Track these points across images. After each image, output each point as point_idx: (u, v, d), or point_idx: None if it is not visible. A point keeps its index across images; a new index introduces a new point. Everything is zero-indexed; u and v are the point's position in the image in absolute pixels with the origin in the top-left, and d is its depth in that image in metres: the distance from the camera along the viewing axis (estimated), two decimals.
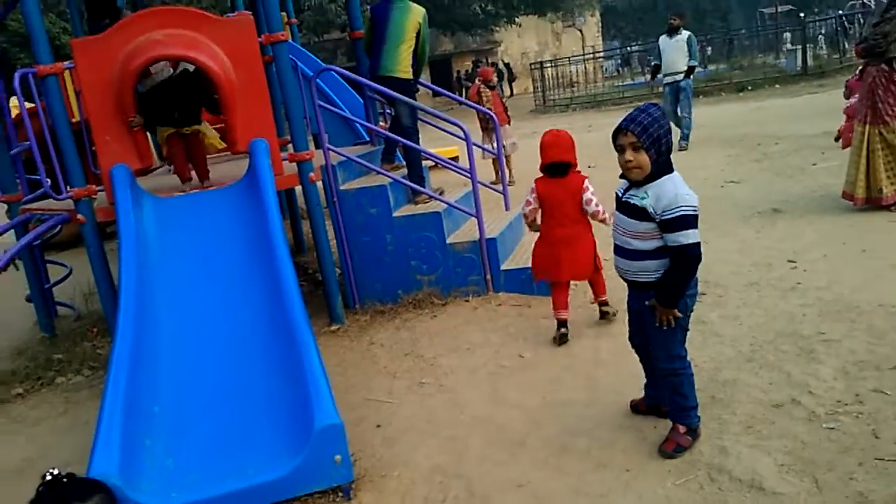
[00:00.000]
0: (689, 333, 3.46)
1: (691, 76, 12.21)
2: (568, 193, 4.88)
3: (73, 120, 6.20)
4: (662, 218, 3.13)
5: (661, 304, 3.30)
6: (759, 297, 5.19)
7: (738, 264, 5.93)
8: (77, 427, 4.73)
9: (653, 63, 13.12)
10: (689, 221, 3.12)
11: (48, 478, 1.74)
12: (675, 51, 12.01)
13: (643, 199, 3.19)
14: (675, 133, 11.56)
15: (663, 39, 12.22)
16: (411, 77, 6.34)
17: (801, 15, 34.33)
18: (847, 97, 7.91)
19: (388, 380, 4.73)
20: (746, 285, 5.46)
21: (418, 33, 6.25)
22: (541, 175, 4.98)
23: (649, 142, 3.12)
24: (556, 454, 3.58)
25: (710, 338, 4.63)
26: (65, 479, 1.74)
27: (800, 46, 23.36)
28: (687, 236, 3.12)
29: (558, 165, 4.88)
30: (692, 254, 3.16)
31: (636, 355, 3.79)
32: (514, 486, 3.36)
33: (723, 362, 4.27)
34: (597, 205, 4.87)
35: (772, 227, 6.85)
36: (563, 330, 4.89)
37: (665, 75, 12.26)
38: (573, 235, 4.91)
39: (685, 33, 12.00)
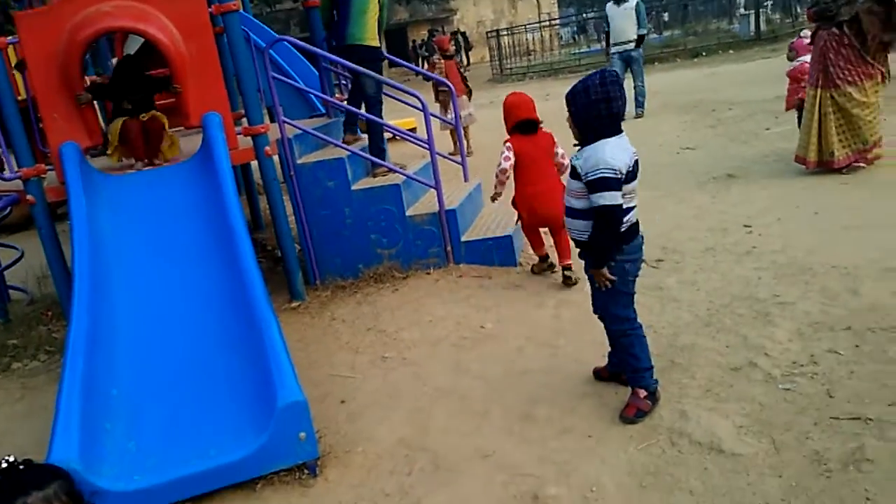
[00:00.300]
0: (644, 299, 3.57)
1: (641, 45, 12.05)
2: (541, 149, 5.26)
3: (19, 98, 6.02)
4: (587, 179, 3.30)
5: (590, 264, 3.50)
6: (716, 262, 5.27)
7: (695, 230, 6.01)
8: (34, 413, 4.64)
9: (604, 31, 13.04)
10: (608, 183, 3.23)
11: (3, 465, 1.70)
12: (624, 18, 11.81)
13: (576, 160, 3.39)
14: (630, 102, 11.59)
15: (610, 7, 12.01)
16: (379, 45, 6.26)
17: None
18: (791, 59, 7.98)
19: (350, 355, 4.72)
20: (703, 251, 5.53)
21: (380, 1, 6.18)
22: (510, 136, 5.31)
23: (573, 110, 3.37)
24: (519, 423, 3.61)
25: (668, 303, 4.69)
26: (21, 466, 1.69)
27: (753, 11, 23.56)
28: (604, 197, 3.25)
29: (528, 123, 5.23)
30: (608, 214, 3.28)
31: (599, 323, 3.83)
32: (479, 457, 3.39)
33: (681, 327, 4.34)
34: (563, 156, 5.19)
35: (727, 193, 6.94)
36: (549, 261, 5.51)
37: (614, 44, 12.04)
38: (552, 187, 5.18)
39: (633, 0, 11.79)
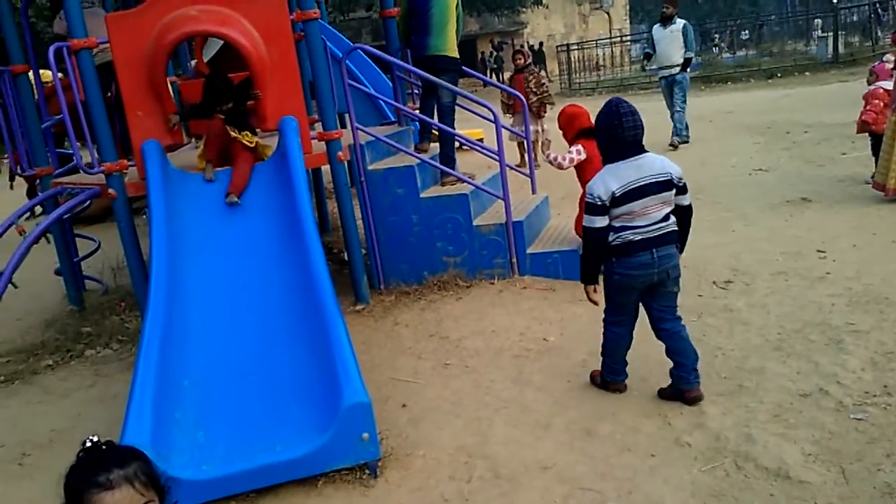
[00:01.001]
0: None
1: (688, 68, 11.61)
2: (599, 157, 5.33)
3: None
4: None
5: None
6: (788, 286, 5.16)
7: (767, 253, 5.89)
8: (106, 399, 4.80)
9: (644, 51, 12.72)
10: (587, 208, 3.63)
11: (87, 444, 1.76)
12: (671, 41, 11.35)
13: None
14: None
15: (657, 29, 11.64)
16: (458, 56, 6.34)
17: (834, 1, 33.77)
18: (870, 83, 7.77)
19: (412, 360, 4.76)
20: (774, 274, 5.42)
21: (456, 12, 6.27)
22: (578, 140, 5.64)
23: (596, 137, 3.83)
24: (580, 437, 3.60)
25: (737, 326, 4.61)
26: (104, 447, 1.76)
27: (831, 34, 23.00)
28: (586, 219, 3.66)
29: (590, 131, 5.24)
30: (585, 235, 3.71)
31: (662, 342, 3.81)
32: (539, 468, 3.38)
33: (750, 350, 4.26)
34: None
35: (801, 216, 6.79)
36: None
37: (660, 68, 11.68)
38: None
39: (680, 22, 11.36)
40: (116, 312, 6.36)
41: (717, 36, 33.37)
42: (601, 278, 3.80)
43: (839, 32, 22.82)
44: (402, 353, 4.90)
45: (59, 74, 5.31)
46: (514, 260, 5.82)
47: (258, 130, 5.25)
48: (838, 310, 4.67)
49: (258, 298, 4.22)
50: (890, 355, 3.98)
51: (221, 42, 7.11)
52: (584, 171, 5.57)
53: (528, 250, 5.87)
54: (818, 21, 29.96)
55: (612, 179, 3.55)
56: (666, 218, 3.64)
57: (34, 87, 6.45)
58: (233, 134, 5.03)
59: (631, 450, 3.44)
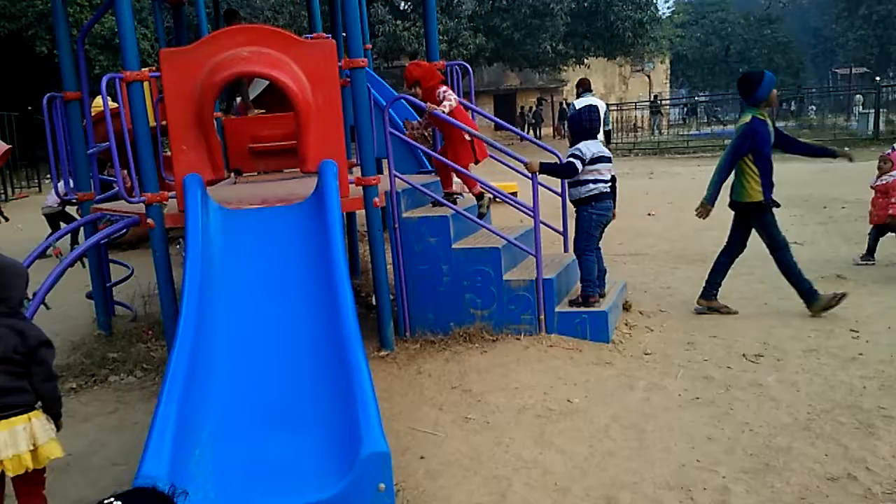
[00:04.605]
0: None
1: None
2: None
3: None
4: (568, 153, 5.89)
5: (541, 169, 5.86)
6: (819, 365, 5.07)
7: (799, 329, 5.81)
8: (126, 427, 4.81)
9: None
10: (574, 155, 5.78)
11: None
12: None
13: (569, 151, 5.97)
14: None
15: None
16: None
17: (877, 79, 33.77)
18: (884, 171, 7.68)
19: (433, 411, 4.72)
20: (806, 351, 5.33)
21: None
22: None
23: (570, 128, 6.24)
24: None
25: (766, 402, 4.53)
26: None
27: (872, 110, 22.95)
28: (569, 160, 5.79)
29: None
30: (565, 166, 5.84)
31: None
32: None
33: (778, 428, 4.17)
34: None
35: None
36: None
37: None
38: None
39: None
40: (143, 340, 6.41)
41: None
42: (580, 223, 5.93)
43: (881, 109, 22.75)
44: (424, 403, 4.86)
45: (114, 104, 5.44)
46: (542, 317, 5.79)
47: None
48: (870, 393, 4.57)
49: (285, 338, 4.22)
50: None
51: (267, 82, 7.26)
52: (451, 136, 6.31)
53: (557, 308, 5.84)
54: (859, 97, 29.96)
55: (588, 149, 5.77)
56: (614, 179, 5.96)
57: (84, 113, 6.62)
58: None
59: None
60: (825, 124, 26.58)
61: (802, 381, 4.82)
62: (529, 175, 6.01)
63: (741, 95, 6.40)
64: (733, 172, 6.22)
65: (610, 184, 5.90)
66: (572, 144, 5.88)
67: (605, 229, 6.08)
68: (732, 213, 6.28)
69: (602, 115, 12.06)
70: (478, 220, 6.13)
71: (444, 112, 5.94)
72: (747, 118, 6.11)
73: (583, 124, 5.95)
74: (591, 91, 12.28)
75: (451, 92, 6.15)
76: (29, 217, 12.18)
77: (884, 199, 7.56)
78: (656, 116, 35.26)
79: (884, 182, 7.59)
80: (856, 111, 27.87)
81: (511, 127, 8.38)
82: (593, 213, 5.79)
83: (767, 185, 6.14)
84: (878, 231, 7.68)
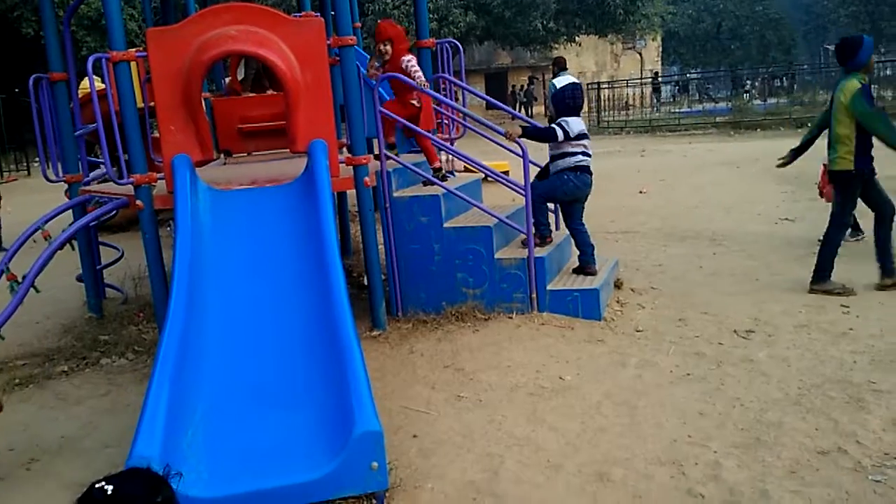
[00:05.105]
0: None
1: None
2: None
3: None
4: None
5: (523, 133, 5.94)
6: (810, 340, 5.09)
7: (790, 304, 5.83)
8: (118, 409, 4.81)
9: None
10: (560, 125, 5.90)
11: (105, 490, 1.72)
12: None
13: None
14: None
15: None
16: None
17: None
18: None
19: (426, 390, 4.73)
20: (797, 326, 5.36)
21: None
22: None
23: (555, 104, 6.40)
24: (592, 481, 3.54)
25: (757, 377, 4.55)
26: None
27: None
28: (553, 128, 5.94)
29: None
30: (547, 131, 6.00)
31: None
32: None
33: (769, 403, 4.19)
34: None
35: None
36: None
37: None
38: None
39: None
40: (134, 322, 6.39)
41: (748, 82, 33.40)
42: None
43: (872, 86, 22.71)
44: (416, 382, 4.87)
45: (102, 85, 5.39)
46: (534, 295, 5.79)
47: None
48: (860, 367, 4.60)
49: (277, 319, 4.22)
50: None
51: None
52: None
53: (549, 286, 5.84)
54: None
55: (573, 125, 5.91)
56: (590, 155, 6.07)
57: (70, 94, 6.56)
58: None
59: (642, 497, 3.38)
60: (816, 101, 26.50)
61: (793, 356, 4.84)
62: (520, 153, 5.99)
63: (840, 62, 6.19)
64: (830, 139, 6.07)
65: (590, 159, 6.12)
66: (556, 116, 6.11)
67: (589, 204, 6.23)
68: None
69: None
70: (470, 199, 6.11)
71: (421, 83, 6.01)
72: (854, 83, 5.87)
73: (566, 101, 6.07)
74: (566, 69, 12.42)
75: (416, 63, 6.14)
76: (18, 201, 12.11)
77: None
78: (658, 94, 35.18)
79: None
80: None
81: (503, 105, 8.34)
82: (574, 180, 5.94)
83: (862, 154, 5.93)
84: None
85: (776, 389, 4.37)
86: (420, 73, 6.03)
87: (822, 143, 6.41)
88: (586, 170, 5.97)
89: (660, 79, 38.06)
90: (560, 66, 12.40)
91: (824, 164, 7.52)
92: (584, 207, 6.15)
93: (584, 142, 5.97)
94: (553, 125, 5.97)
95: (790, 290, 6.15)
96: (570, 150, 5.93)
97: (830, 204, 6.88)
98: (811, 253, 7.21)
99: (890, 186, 7.70)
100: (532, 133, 5.98)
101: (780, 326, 5.37)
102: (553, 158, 6.08)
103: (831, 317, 5.49)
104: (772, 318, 5.53)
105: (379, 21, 6.44)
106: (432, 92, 6.36)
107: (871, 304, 5.68)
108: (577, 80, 12.64)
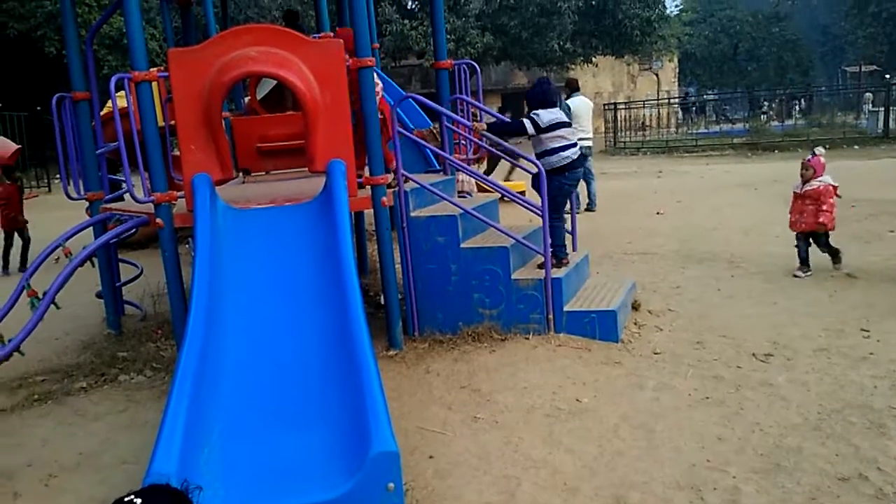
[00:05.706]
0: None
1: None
2: None
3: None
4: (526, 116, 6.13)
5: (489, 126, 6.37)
6: (829, 364, 5.04)
7: (809, 327, 5.78)
8: (136, 426, 4.82)
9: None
10: (530, 118, 5.96)
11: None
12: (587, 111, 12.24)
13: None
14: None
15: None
16: None
17: (887, 76, 33.60)
18: (807, 179, 7.39)
19: (442, 411, 4.72)
20: (816, 350, 5.31)
21: None
22: None
23: (530, 99, 6.16)
24: None
25: (776, 402, 4.51)
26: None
27: (882, 108, 22.83)
28: (522, 121, 6.03)
29: None
30: (515, 124, 6.28)
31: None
32: None
33: (788, 428, 4.15)
34: None
35: (844, 293, 6.66)
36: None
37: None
38: None
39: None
40: (153, 339, 6.43)
41: (766, 104, 33.32)
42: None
43: (891, 108, 22.62)
44: (433, 402, 4.86)
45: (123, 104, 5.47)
46: (551, 316, 5.78)
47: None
48: (881, 392, 4.55)
49: (294, 338, 4.23)
50: None
51: (275, 81, 7.26)
52: None
53: (566, 308, 5.83)
54: (869, 95, 29.82)
55: (544, 115, 5.93)
56: (576, 144, 6.09)
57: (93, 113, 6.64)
58: None
59: None
60: (834, 123, 26.41)
61: (813, 380, 4.80)
62: (476, 139, 6.49)
63: None
64: None
65: (577, 148, 6.10)
66: (530, 108, 6.09)
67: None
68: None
69: (589, 113, 12.28)
70: (487, 220, 6.12)
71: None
72: None
73: (536, 96, 6.13)
74: (578, 90, 12.47)
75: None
76: (39, 218, 12.23)
77: (814, 205, 7.29)
78: (688, 113, 35.13)
79: (814, 188, 7.36)
80: (865, 109, 27.72)
81: (491, 111, 8.37)
82: (565, 182, 6.00)
83: None
84: (805, 238, 7.45)
85: (796, 414, 4.33)
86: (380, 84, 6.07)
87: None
88: (575, 164, 6.03)
89: (690, 99, 38.01)
90: (572, 88, 12.44)
91: (795, 192, 7.50)
92: (566, 201, 6.32)
93: (561, 131, 5.96)
94: (522, 118, 6.05)
95: (809, 314, 6.10)
96: (550, 145, 5.95)
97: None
98: (830, 276, 7.18)
99: (887, 209, 7.67)
100: (500, 128, 6.19)
101: (799, 350, 5.32)
102: (540, 156, 6.05)
103: (851, 341, 5.44)
104: (791, 342, 5.48)
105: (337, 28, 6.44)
106: (446, 111, 6.39)
107: (892, 328, 5.62)
108: (589, 101, 12.73)
